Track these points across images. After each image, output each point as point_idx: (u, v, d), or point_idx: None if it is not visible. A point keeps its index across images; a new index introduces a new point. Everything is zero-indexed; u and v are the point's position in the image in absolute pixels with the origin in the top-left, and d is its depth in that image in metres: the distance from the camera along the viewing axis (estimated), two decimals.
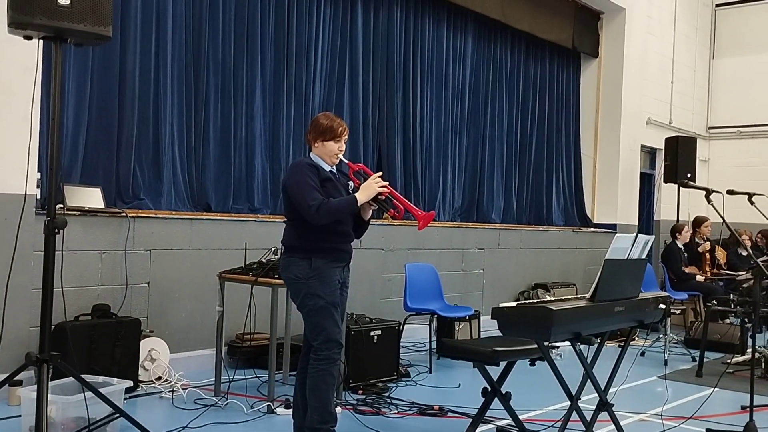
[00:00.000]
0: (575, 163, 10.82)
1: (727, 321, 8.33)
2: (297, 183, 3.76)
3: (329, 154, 3.90)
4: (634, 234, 3.82)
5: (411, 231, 7.66)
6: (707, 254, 9.32)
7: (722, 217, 4.88)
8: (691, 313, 9.09)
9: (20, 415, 4.02)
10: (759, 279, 5.17)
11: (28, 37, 3.54)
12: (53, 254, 3.53)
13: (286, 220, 3.99)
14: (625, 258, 3.75)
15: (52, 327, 3.96)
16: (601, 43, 10.94)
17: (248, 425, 4.47)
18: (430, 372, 6.15)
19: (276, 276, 4.75)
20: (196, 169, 6.31)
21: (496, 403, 4.02)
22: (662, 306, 4.11)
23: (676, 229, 9.18)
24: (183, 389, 5.11)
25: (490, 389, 4.00)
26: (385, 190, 3.86)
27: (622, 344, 4.28)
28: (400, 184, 7.92)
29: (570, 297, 3.95)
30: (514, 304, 3.54)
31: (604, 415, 3.95)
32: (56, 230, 3.51)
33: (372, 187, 3.82)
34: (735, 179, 10.58)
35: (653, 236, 4.10)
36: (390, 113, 7.96)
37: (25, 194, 4.00)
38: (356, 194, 3.82)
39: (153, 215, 5.67)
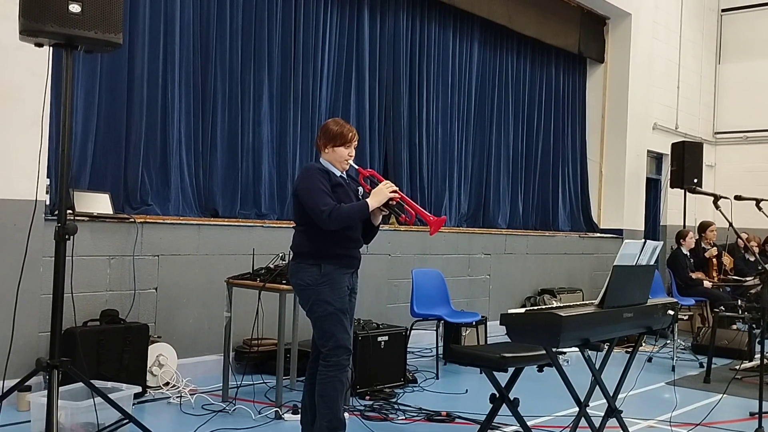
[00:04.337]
0: (581, 169, 10.81)
1: (735, 327, 8.31)
2: (309, 188, 3.76)
3: (339, 160, 3.92)
4: (643, 240, 3.81)
5: (417, 236, 7.66)
6: (714, 260, 9.30)
7: (730, 223, 4.88)
8: (698, 318, 9.07)
9: (29, 421, 4.04)
10: (767, 284, 5.16)
11: (39, 45, 3.56)
12: (64, 260, 3.54)
13: (294, 225, 4.00)
14: (634, 264, 3.74)
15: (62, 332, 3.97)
16: (607, 48, 10.95)
17: (256, 431, 4.48)
18: (437, 378, 6.15)
19: (284, 282, 4.75)
20: (204, 175, 6.33)
21: (504, 409, 4.01)
22: (670, 312, 4.11)
23: (680, 236, 9.16)
24: (191, 395, 5.11)
25: (498, 395, 4.00)
26: (396, 195, 3.86)
27: (629, 350, 4.27)
28: (406, 189, 7.92)
29: (578, 303, 3.95)
30: (522, 310, 3.53)
31: (612, 422, 3.94)
32: (67, 236, 3.52)
33: (383, 192, 3.82)
34: (741, 184, 10.57)
35: (661, 242, 4.10)
36: (396, 118, 7.97)
37: (36, 200, 4.01)
38: (367, 200, 3.82)
39: (161, 221, 5.69)
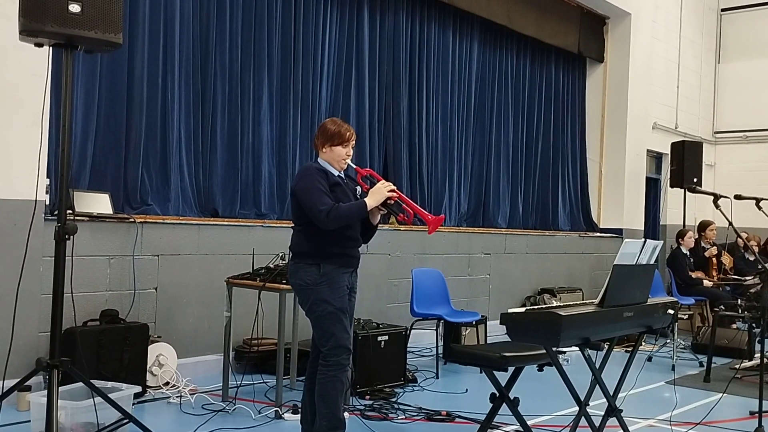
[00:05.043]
0: (581, 168, 10.81)
1: (735, 326, 8.31)
2: (307, 188, 3.77)
3: (337, 159, 3.92)
4: (643, 239, 3.81)
5: (417, 236, 7.66)
6: (714, 259, 9.30)
7: (730, 222, 4.88)
8: (698, 318, 9.07)
9: (29, 420, 4.04)
10: (767, 284, 5.16)
11: (39, 45, 3.56)
12: (63, 260, 3.54)
13: (293, 225, 4.00)
14: (634, 263, 3.74)
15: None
16: (606, 47, 10.94)
17: (256, 431, 4.48)
18: (437, 377, 6.15)
19: (284, 281, 4.75)
20: (204, 175, 6.33)
21: (504, 408, 4.01)
22: (670, 311, 4.11)
23: (680, 235, 9.16)
24: (191, 394, 5.12)
25: (498, 395, 4.00)
26: (394, 194, 3.86)
27: (629, 349, 4.27)
28: (406, 189, 7.92)
29: (578, 302, 3.95)
30: (523, 309, 3.53)
31: (612, 421, 3.94)
32: (67, 236, 3.52)
33: (381, 191, 3.82)
34: (741, 184, 10.57)
35: (661, 242, 4.10)
36: (396, 118, 7.97)
37: (35, 200, 4.01)
38: (366, 199, 3.82)
39: (161, 221, 5.69)
